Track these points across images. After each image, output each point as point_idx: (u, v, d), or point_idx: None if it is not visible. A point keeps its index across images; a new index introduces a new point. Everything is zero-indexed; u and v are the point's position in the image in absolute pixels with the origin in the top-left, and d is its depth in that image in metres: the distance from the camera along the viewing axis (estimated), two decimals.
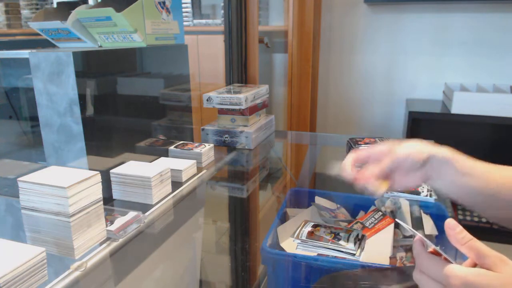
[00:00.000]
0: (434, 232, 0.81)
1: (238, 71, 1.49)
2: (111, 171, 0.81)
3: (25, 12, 2.67)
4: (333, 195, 0.93)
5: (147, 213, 0.76)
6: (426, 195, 0.83)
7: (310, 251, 0.65)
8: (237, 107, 1.17)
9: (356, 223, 0.81)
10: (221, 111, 1.22)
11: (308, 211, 0.89)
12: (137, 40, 0.93)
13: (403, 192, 0.85)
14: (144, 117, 0.99)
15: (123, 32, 0.91)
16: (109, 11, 0.87)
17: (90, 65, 0.80)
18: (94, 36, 0.95)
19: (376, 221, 0.79)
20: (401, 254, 0.72)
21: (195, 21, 2.30)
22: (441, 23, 2.02)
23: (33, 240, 0.64)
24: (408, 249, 0.73)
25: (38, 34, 0.98)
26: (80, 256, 0.63)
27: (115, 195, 0.82)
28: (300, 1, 1.90)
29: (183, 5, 2.22)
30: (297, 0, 1.89)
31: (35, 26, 0.95)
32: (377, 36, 2.14)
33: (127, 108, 0.91)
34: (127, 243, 0.69)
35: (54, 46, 1.00)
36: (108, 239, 0.67)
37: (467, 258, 0.39)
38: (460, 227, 0.39)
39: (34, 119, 0.83)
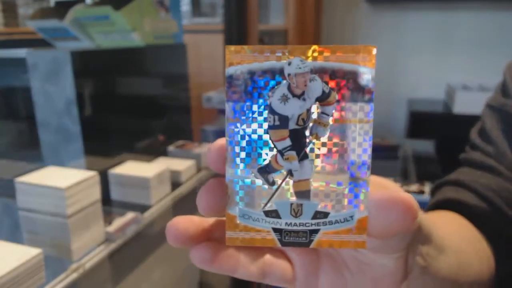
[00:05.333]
0: None
1: None
2: (109, 171, 0.80)
3: (21, 11, 2.66)
4: None
5: (145, 214, 0.75)
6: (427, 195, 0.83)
7: None
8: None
9: None
10: (221, 111, 1.22)
11: None
12: (136, 39, 0.92)
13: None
14: (143, 117, 0.98)
15: (121, 31, 0.91)
16: (107, 9, 0.86)
17: (88, 65, 0.80)
18: (92, 35, 0.94)
19: None
20: None
21: (194, 20, 2.29)
22: (443, 22, 2.02)
23: (30, 241, 0.64)
24: None
25: (35, 33, 0.98)
26: (78, 258, 0.62)
27: (114, 196, 0.81)
28: (300, 1, 1.90)
29: (182, 4, 2.22)
30: (297, 0, 1.88)
31: (32, 24, 0.94)
32: (378, 35, 2.14)
33: (125, 107, 0.90)
34: (126, 244, 0.68)
35: (51, 45, 1.00)
36: (106, 240, 0.67)
37: None
38: None
39: (31, 119, 0.82)
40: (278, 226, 0.19)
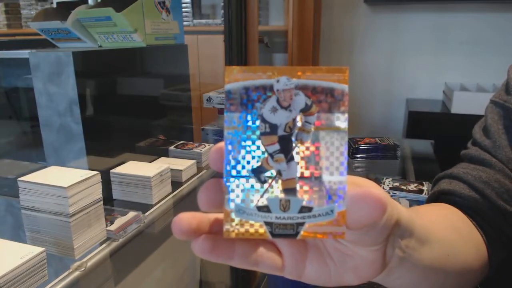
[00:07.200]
0: None
1: None
2: (111, 171, 0.81)
3: (24, 12, 2.67)
4: None
5: (147, 213, 0.76)
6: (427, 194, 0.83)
7: None
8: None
9: None
10: (221, 111, 1.22)
11: None
12: (137, 40, 0.93)
13: (405, 192, 0.85)
14: (144, 117, 0.99)
15: (123, 32, 0.91)
16: (109, 11, 0.86)
17: (90, 65, 0.80)
18: (94, 36, 0.95)
19: None
20: None
21: (195, 21, 2.30)
22: (441, 23, 2.02)
23: (33, 240, 0.64)
24: None
25: (38, 34, 0.98)
26: (80, 256, 0.63)
27: (115, 195, 0.82)
28: (300, 1, 1.90)
29: (183, 5, 2.22)
30: (297, 0, 1.89)
31: (35, 26, 0.95)
32: (377, 36, 2.14)
33: (127, 108, 0.91)
34: (127, 243, 0.69)
35: (54, 46, 1.00)
36: (108, 239, 0.67)
37: None
38: None
39: (34, 119, 0.83)
40: (269, 220, 0.22)
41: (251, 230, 0.22)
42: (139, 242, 0.72)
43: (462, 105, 1.70)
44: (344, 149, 0.21)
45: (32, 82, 0.77)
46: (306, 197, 0.22)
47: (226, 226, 0.22)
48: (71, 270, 0.59)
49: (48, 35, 0.96)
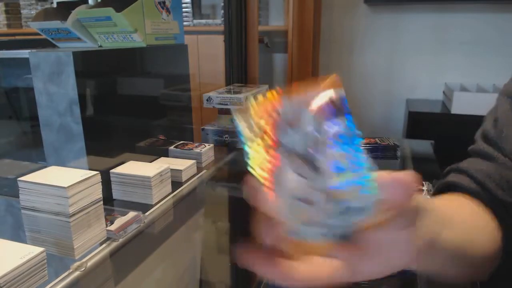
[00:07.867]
0: None
1: (238, 71, 1.49)
2: (111, 171, 0.81)
3: (24, 12, 2.67)
4: None
5: (147, 213, 0.76)
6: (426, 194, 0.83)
7: None
8: (237, 107, 1.17)
9: None
10: (221, 111, 1.22)
11: None
12: (137, 40, 0.93)
13: None
14: (144, 117, 0.99)
15: (123, 32, 0.91)
16: (109, 11, 0.86)
17: (90, 65, 0.80)
18: (94, 36, 0.95)
19: None
20: None
21: (195, 21, 2.30)
22: (441, 23, 2.02)
23: (33, 240, 0.64)
24: None
25: (38, 34, 0.98)
26: (80, 256, 0.63)
27: (115, 195, 0.82)
28: (300, 1, 1.90)
29: (183, 5, 2.22)
30: (297, 0, 1.89)
31: (35, 26, 0.95)
32: (377, 36, 2.14)
33: (127, 108, 0.91)
34: (127, 243, 0.69)
35: (54, 46, 1.00)
36: (108, 239, 0.67)
37: None
38: None
39: (34, 119, 0.83)
40: (324, 232, 0.24)
41: (311, 247, 0.24)
42: (139, 242, 0.72)
43: (462, 105, 1.70)
44: (361, 148, 0.23)
45: (32, 82, 0.77)
46: (347, 198, 0.23)
47: (287, 248, 0.25)
48: (71, 270, 0.59)
49: (48, 35, 0.96)
